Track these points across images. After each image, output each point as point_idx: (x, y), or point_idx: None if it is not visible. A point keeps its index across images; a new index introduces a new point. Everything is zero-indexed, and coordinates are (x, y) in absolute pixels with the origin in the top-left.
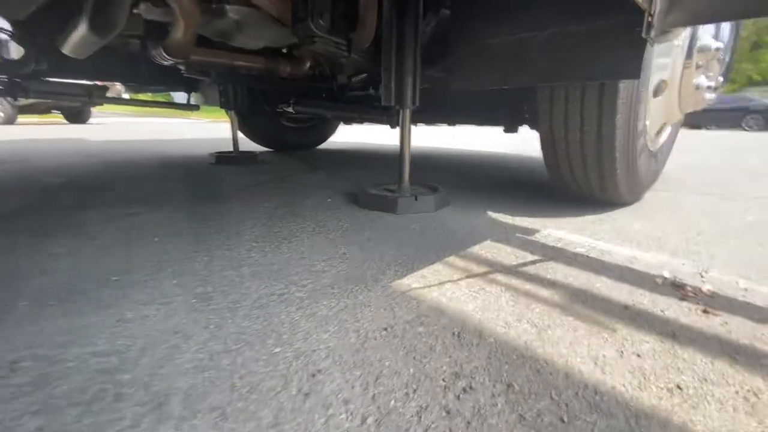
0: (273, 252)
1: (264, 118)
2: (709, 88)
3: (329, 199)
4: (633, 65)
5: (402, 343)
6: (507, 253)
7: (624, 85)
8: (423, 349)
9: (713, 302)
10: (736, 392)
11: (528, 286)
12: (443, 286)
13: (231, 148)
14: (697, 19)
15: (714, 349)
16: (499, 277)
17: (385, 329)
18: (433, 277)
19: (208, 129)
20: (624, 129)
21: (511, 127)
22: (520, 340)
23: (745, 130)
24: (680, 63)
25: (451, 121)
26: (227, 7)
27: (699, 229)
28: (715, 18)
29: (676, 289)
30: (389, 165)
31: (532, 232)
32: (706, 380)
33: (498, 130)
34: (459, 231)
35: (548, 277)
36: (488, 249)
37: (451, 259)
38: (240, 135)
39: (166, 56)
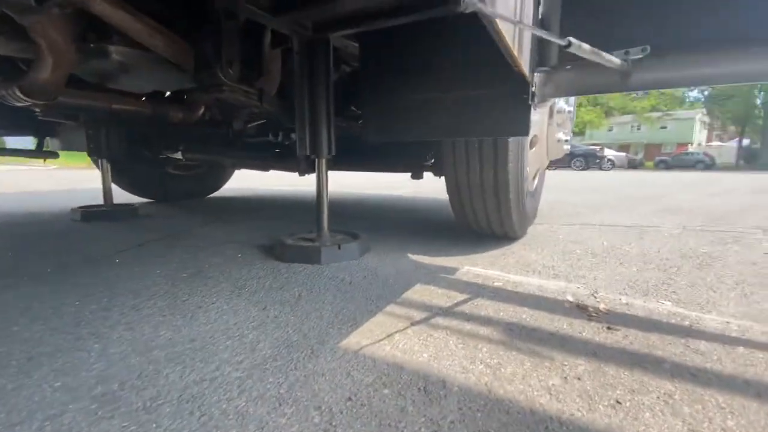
0: (188, 325)
1: (143, 166)
2: (566, 140)
3: (240, 255)
4: (522, 123)
5: (372, 412)
6: (438, 294)
7: (512, 139)
8: (395, 414)
9: (611, 318)
10: (657, 397)
11: (468, 326)
12: (393, 338)
13: (100, 201)
14: (562, 93)
15: (628, 362)
16: (440, 320)
17: (350, 399)
18: (380, 330)
19: (66, 178)
20: (514, 174)
21: (417, 174)
22: (481, 384)
23: (573, 169)
24: (546, 121)
25: (363, 169)
26: (111, 48)
27: (577, 256)
28: (572, 93)
29: (582, 310)
30: (294, 212)
31: (453, 270)
32: (633, 391)
33: (405, 176)
34: (388, 277)
35: (482, 314)
36: (421, 293)
37: (390, 308)
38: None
39: (22, 97)
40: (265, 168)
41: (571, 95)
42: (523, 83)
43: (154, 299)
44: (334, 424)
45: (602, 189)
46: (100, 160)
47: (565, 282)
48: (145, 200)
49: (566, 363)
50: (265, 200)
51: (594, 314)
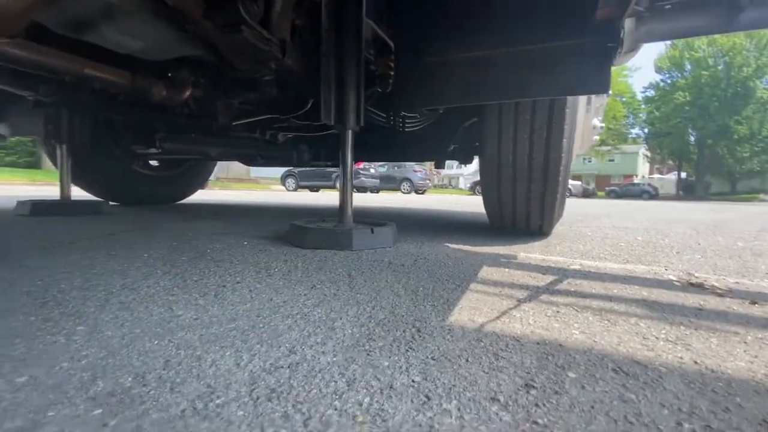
0: (216, 303)
1: (108, 162)
2: (600, 127)
3: (245, 243)
4: (602, 77)
5: (577, 402)
6: (519, 275)
7: (568, 110)
8: (617, 405)
9: (739, 295)
10: None
11: (593, 303)
12: (512, 315)
13: (51, 197)
14: (656, 36)
15: None
16: (552, 298)
17: (529, 386)
18: (487, 308)
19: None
20: (567, 153)
21: (441, 163)
22: (689, 362)
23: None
24: (584, 103)
25: (383, 158)
26: None
27: (625, 247)
28: (670, 36)
29: (700, 288)
30: (285, 215)
31: (511, 257)
32: None
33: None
34: (443, 262)
35: (594, 292)
36: (497, 274)
37: (475, 286)
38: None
39: None
40: (253, 161)
41: (668, 39)
42: (605, 29)
43: (154, 279)
44: (541, 423)
45: (583, 206)
46: (58, 147)
47: (644, 266)
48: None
49: (759, 337)
50: (248, 206)
51: (720, 291)
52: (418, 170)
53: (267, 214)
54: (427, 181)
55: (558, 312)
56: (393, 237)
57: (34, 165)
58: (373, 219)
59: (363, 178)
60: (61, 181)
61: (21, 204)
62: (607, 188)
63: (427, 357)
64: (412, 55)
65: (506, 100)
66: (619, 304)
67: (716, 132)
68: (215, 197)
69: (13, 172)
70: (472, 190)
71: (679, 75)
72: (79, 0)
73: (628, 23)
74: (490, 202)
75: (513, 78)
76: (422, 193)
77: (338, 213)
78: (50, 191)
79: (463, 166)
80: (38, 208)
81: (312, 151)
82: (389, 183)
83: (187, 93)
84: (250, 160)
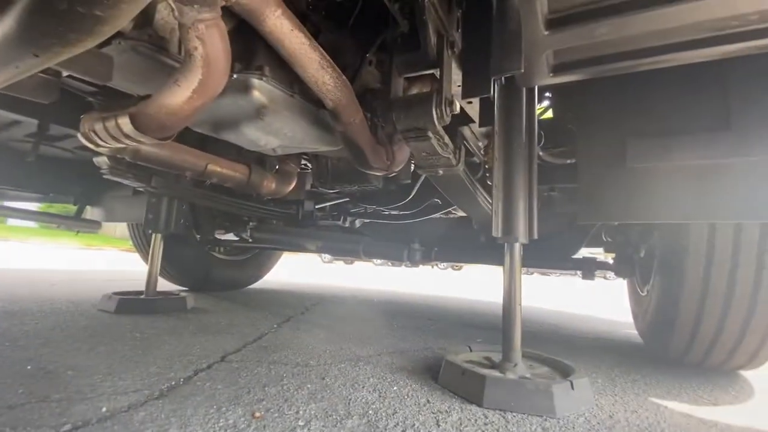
0: None
1: (187, 247)
2: None
3: (395, 387)
4: None
5: None
6: None
7: None
8: None
9: None
10: None
11: None
12: None
13: (131, 288)
14: None
15: None
16: None
17: None
18: None
19: (78, 257)
20: None
21: (589, 274)
22: None
23: None
24: None
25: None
26: (255, 82)
27: None
28: None
29: None
30: (384, 321)
31: None
32: None
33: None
34: None
35: None
36: None
37: None
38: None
39: (128, 132)
40: (355, 256)
41: None
42: None
43: None
44: None
45: None
46: (153, 236)
47: None
48: (182, 288)
49: None
50: (321, 295)
51: None
52: None
53: (358, 312)
54: None
55: None
56: (591, 389)
57: None
58: (526, 349)
59: None
60: (150, 272)
61: (106, 299)
62: None
63: None
64: (599, 158)
65: (747, 220)
66: None
67: None
68: (273, 276)
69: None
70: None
71: None
72: (232, 101)
73: None
74: (674, 330)
75: (759, 193)
76: (458, 270)
77: (504, 345)
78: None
79: None
80: (125, 305)
81: (424, 248)
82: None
83: (292, 185)
84: (351, 255)
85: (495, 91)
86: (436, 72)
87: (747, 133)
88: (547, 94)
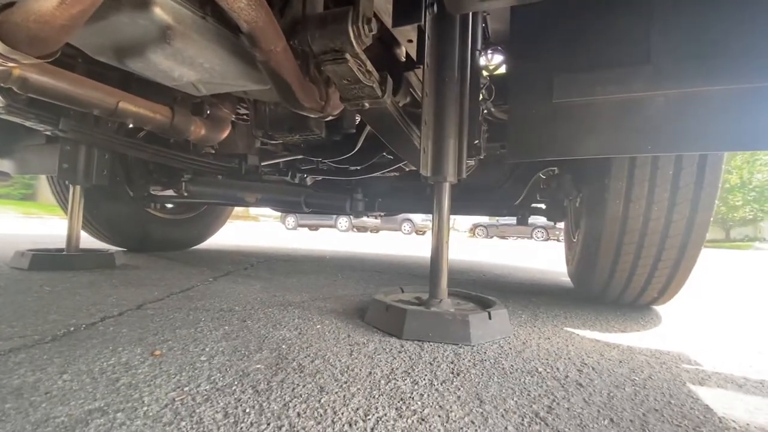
0: None
1: (119, 204)
2: None
3: (318, 326)
4: None
5: None
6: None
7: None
8: None
9: None
10: None
11: None
12: None
13: (49, 244)
14: None
15: None
16: None
17: None
18: None
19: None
20: (710, 214)
21: (523, 219)
22: None
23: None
24: None
25: (467, 212)
26: None
27: None
28: None
29: None
30: (328, 271)
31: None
32: None
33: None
34: (621, 377)
35: None
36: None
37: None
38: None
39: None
40: (297, 209)
41: None
42: None
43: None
44: None
45: None
46: (71, 189)
47: None
48: (114, 248)
49: None
50: (274, 254)
51: None
52: None
53: (305, 267)
54: (428, 222)
55: None
56: (509, 320)
57: (30, 197)
58: (457, 288)
59: (365, 218)
60: (70, 227)
61: (19, 255)
62: None
63: None
64: (527, 94)
65: (665, 152)
66: None
67: None
68: (224, 239)
69: (6, 202)
70: (472, 232)
71: None
72: (130, 20)
73: None
74: (596, 268)
75: (677, 126)
76: (422, 234)
77: (430, 283)
78: (44, 229)
79: None
80: (39, 261)
81: (367, 200)
82: (390, 223)
83: (226, 133)
84: (292, 208)
85: (426, 20)
86: None
87: (665, 66)
88: (499, 48)
